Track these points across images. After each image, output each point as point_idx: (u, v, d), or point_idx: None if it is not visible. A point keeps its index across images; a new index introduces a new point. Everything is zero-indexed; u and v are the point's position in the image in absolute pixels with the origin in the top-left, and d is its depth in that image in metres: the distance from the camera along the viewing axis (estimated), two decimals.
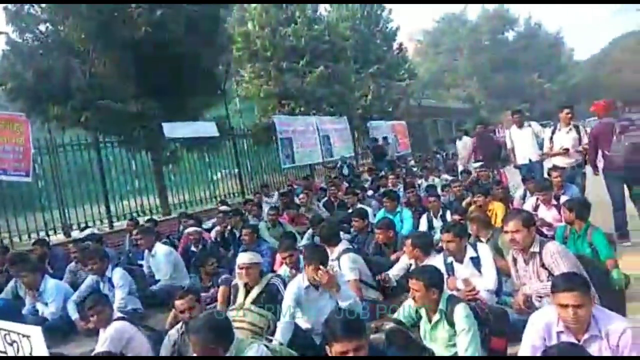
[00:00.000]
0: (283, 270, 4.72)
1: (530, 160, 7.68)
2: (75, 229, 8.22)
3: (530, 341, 2.55)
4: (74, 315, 5.18)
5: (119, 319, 3.83)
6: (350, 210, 7.55)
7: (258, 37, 15.17)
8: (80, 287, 5.43)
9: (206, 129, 10.31)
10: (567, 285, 2.43)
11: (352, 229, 6.46)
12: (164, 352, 3.53)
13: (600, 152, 6.11)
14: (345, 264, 4.39)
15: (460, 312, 2.95)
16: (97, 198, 8.54)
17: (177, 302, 3.53)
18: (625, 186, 5.91)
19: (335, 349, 2.25)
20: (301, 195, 8.58)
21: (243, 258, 4.17)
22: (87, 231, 7.11)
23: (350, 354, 2.21)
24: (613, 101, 6.70)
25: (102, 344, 3.59)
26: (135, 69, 9.17)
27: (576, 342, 2.40)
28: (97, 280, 5.31)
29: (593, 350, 2.37)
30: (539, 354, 2.46)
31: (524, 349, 2.59)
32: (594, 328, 2.39)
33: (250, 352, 2.68)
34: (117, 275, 5.24)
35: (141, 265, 6.33)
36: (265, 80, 15.11)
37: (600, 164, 6.20)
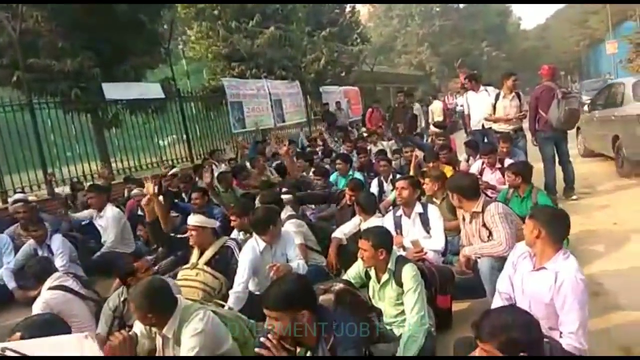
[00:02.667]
0: (235, 233, 4.70)
1: (483, 126, 7.85)
2: (11, 195, 7.76)
3: (507, 265, 2.80)
4: (11, 283, 4.96)
5: (58, 287, 3.68)
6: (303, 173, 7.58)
7: None
8: (16, 254, 5.18)
9: (150, 90, 9.85)
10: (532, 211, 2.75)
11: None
12: (103, 318, 3.42)
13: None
14: (289, 229, 4.39)
15: (408, 272, 2.99)
16: (34, 164, 8.04)
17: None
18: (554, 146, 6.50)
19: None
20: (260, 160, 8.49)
21: (191, 220, 4.11)
22: (17, 196, 6.70)
23: (272, 320, 2.25)
24: (556, 67, 6.95)
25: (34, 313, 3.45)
26: (70, 24, 8.57)
27: (531, 267, 2.61)
28: (34, 248, 5.08)
29: (538, 279, 2.54)
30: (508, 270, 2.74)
31: (502, 276, 2.80)
32: (550, 263, 2.52)
33: (196, 319, 2.61)
34: (57, 242, 5.06)
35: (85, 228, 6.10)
36: (214, 40, 14.52)
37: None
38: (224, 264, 3.96)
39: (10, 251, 5.31)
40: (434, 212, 4.13)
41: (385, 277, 3.09)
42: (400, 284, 3.01)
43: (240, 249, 4.03)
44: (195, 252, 4.12)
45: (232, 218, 4.66)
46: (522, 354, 1.81)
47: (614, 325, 3.24)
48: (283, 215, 4.61)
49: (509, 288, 2.69)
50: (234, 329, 2.86)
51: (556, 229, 2.55)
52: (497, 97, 7.12)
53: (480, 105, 7.80)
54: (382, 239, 3.06)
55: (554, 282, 2.46)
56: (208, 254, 4.06)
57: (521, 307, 2.33)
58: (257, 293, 3.74)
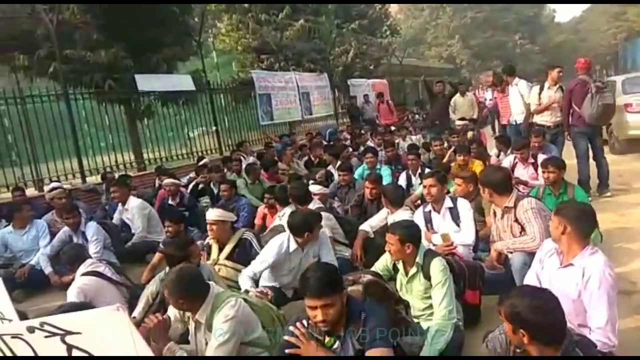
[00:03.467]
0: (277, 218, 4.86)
1: (516, 122, 7.73)
2: (47, 183, 8.01)
3: (538, 253, 2.83)
4: (47, 269, 5.13)
5: (90, 273, 3.79)
6: (329, 168, 7.61)
7: None
8: (52, 240, 5.36)
9: (181, 82, 10.00)
10: (557, 208, 2.70)
11: (331, 184, 6.51)
12: (142, 303, 3.49)
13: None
14: (327, 224, 4.39)
15: (436, 265, 2.98)
16: (69, 153, 8.28)
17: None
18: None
19: (307, 303, 2.31)
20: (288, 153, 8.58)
21: (210, 214, 4.16)
22: (52, 185, 6.94)
23: (318, 310, 2.25)
24: (591, 61, 6.74)
25: (68, 299, 3.57)
26: (105, 17, 8.75)
27: (559, 264, 2.59)
28: (69, 235, 5.24)
29: (566, 275, 2.52)
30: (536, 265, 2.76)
31: (529, 274, 2.83)
32: (577, 259, 2.49)
33: (228, 306, 2.66)
34: (91, 229, 5.19)
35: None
36: (243, 33, 14.63)
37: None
38: (245, 256, 4.00)
39: (46, 236, 5.49)
40: (464, 205, 4.07)
41: (413, 270, 3.07)
42: (428, 278, 2.99)
43: (258, 241, 4.11)
44: (215, 248, 4.17)
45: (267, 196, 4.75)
46: (522, 330, 1.92)
47: None
48: (312, 207, 4.64)
49: (536, 285, 2.65)
50: (264, 318, 2.90)
51: (582, 224, 2.51)
52: (541, 88, 6.99)
53: (513, 101, 7.69)
54: (409, 233, 3.04)
55: (581, 278, 2.43)
56: (228, 248, 4.10)
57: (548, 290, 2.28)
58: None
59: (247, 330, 2.72)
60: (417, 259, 3.05)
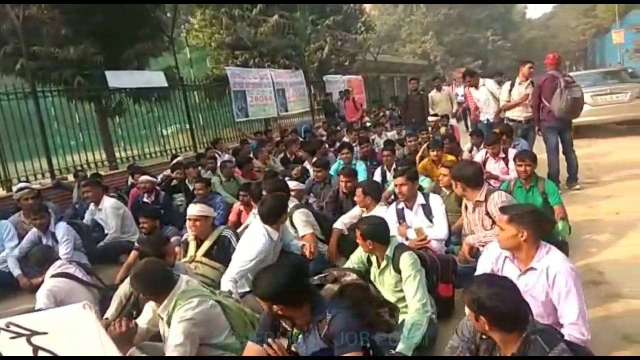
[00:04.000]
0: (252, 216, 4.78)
1: (488, 120, 7.85)
2: (15, 183, 7.79)
3: (483, 262, 2.79)
4: (16, 271, 5.00)
5: (60, 274, 3.71)
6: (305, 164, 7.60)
7: None
8: (21, 242, 5.22)
9: (154, 79, 9.83)
10: (503, 209, 2.70)
11: (307, 180, 6.51)
12: (115, 304, 3.42)
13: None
14: (299, 220, 4.42)
15: (406, 260, 3.02)
16: (38, 152, 8.07)
17: None
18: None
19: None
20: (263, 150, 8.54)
21: (192, 210, 4.11)
22: (21, 184, 6.75)
23: (266, 309, 2.37)
24: (560, 56, 6.89)
25: (37, 302, 3.49)
26: (74, 12, 8.54)
27: (517, 270, 2.59)
28: (39, 236, 5.11)
29: (530, 279, 2.54)
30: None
31: (479, 270, 2.79)
32: (537, 262, 2.52)
33: (187, 306, 2.61)
34: (61, 229, 5.07)
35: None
36: (217, 29, 14.47)
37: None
38: (223, 253, 3.96)
39: (12, 237, 5.33)
40: (436, 202, 4.14)
41: (383, 263, 3.14)
42: (398, 271, 3.04)
43: (237, 239, 4.03)
44: (192, 244, 4.12)
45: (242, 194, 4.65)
46: (481, 316, 1.98)
47: (616, 314, 3.25)
48: (290, 204, 4.63)
49: None
50: (236, 322, 2.86)
51: (539, 228, 2.55)
52: (512, 84, 7.10)
53: (483, 100, 7.84)
54: (369, 230, 3.08)
55: (546, 279, 2.46)
56: (206, 244, 4.06)
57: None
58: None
59: (210, 333, 2.70)
60: (387, 252, 3.10)
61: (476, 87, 7.92)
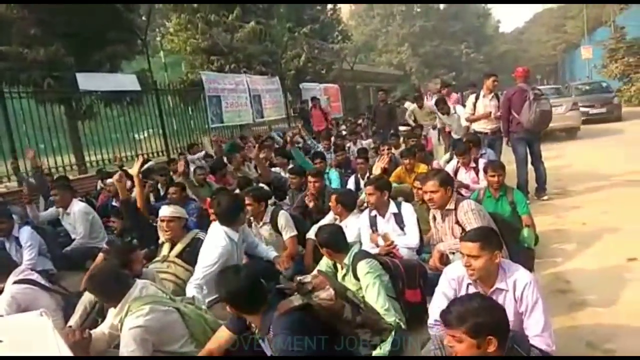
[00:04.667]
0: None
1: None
2: None
3: (442, 289, 2.70)
4: None
5: (23, 280, 3.58)
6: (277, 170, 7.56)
7: None
8: None
9: (126, 82, 9.66)
10: (467, 236, 2.59)
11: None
12: (79, 311, 3.31)
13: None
14: (282, 222, 4.46)
15: (362, 268, 3.05)
16: (4, 155, 7.82)
17: None
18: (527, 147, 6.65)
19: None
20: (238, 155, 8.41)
21: (165, 211, 4.09)
22: None
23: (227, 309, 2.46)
24: (529, 70, 7.07)
25: (0, 309, 3.35)
26: (44, 11, 8.34)
27: (483, 292, 2.53)
28: (1, 241, 4.93)
29: (500, 301, 2.48)
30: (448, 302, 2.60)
31: (436, 297, 2.73)
32: (501, 281, 2.51)
33: (137, 313, 2.59)
34: (25, 234, 4.91)
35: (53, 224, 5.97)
36: (192, 33, 14.32)
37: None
38: (195, 256, 3.89)
39: None
40: (408, 210, 4.18)
41: (343, 271, 3.20)
42: (357, 278, 3.07)
43: None
44: (166, 245, 4.10)
45: (212, 210, 4.58)
46: (490, 337, 1.89)
47: (581, 323, 3.30)
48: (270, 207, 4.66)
49: None
50: (196, 330, 2.83)
51: (502, 246, 2.58)
52: (477, 97, 7.25)
53: (454, 127, 8.14)
54: (325, 240, 3.19)
55: (513, 295, 2.46)
56: (179, 246, 4.04)
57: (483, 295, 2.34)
58: None
59: (165, 340, 2.67)
60: (345, 260, 3.15)
61: (448, 112, 8.19)
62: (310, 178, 5.35)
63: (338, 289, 2.67)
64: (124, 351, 2.53)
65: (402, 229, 4.12)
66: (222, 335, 2.63)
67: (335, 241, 3.19)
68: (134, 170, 4.51)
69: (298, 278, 2.76)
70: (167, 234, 4.05)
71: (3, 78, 8.00)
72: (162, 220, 4.06)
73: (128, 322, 2.57)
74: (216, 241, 3.65)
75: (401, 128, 9.64)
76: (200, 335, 2.82)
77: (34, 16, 8.37)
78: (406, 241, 4.01)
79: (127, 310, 2.61)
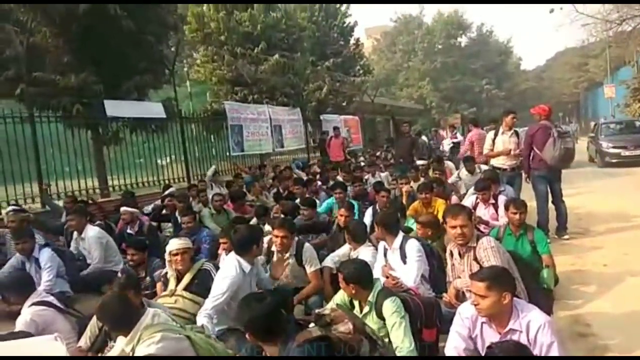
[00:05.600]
0: (223, 255, 4.64)
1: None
2: (4, 207, 7.73)
3: (456, 329, 2.67)
4: None
5: (41, 302, 3.64)
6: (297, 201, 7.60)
7: (212, 20, 14.76)
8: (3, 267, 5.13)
9: (152, 110, 9.91)
10: (476, 275, 2.60)
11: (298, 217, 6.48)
12: (88, 332, 3.35)
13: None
14: (307, 255, 4.37)
15: (388, 307, 2.99)
16: (30, 176, 8.04)
17: None
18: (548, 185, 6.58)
19: None
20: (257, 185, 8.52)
21: (174, 245, 4.06)
22: (10, 208, 6.70)
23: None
24: (551, 108, 7.06)
25: (17, 329, 3.40)
26: (76, 41, 8.70)
27: (495, 333, 2.52)
28: (22, 261, 5.03)
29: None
30: (463, 342, 2.58)
31: (451, 336, 2.70)
32: (514, 322, 2.48)
33: (148, 342, 2.60)
34: (45, 255, 5.00)
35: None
36: (218, 64, 14.74)
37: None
38: (204, 287, 3.87)
39: None
40: (411, 247, 4.01)
41: (366, 309, 3.10)
42: (381, 317, 3.00)
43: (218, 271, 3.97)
44: (173, 279, 4.06)
45: (222, 240, 4.62)
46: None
47: None
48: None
49: (468, 353, 2.63)
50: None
51: (514, 286, 2.56)
52: (496, 133, 7.26)
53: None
54: (352, 275, 3.07)
55: (526, 337, 2.43)
56: (187, 278, 4.00)
57: None
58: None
59: None
60: (370, 298, 3.07)
61: (472, 172, 7.99)
62: (342, 212, 5.36)
63: (357, 324, 2.62)
64: None
65: (405, 263, 4.00)
66: None
67: (365, 276, 3.11)
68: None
69: (316, 311, 2.70)
70: (179, 265, 4.02)
71: (35, 103, 8.28)
72: (174, 254, 4.01)
73: (140, 349, 2.58)
74: (227, 271, 3.62)
75: (419, 162, 9.61)
76: None
77: (68, 45, 8.72)
78: (405, 279, 3.83)
79: (138, 338, 2.62)
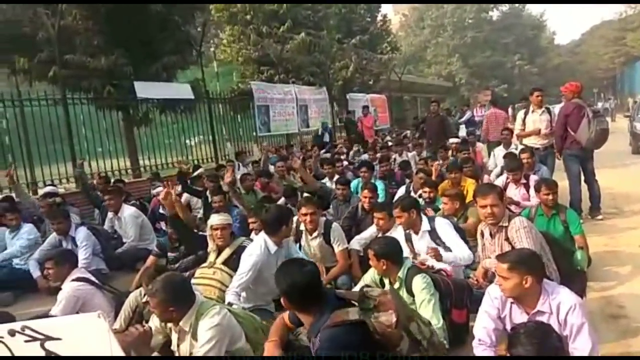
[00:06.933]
0: (253, 235, 4.72)
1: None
2: (41, 187, 8.00)
3: (486, 309, 2.67)
4: (36, 273, 5.10)
5: (81, 279, 3.78)
6: (323, 181, 7.61)
7: None
8: (42, 245, 5.34)
9: (180, 91, 10.04)
10: (501, 256, 2.61)
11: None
12: (122, 315, 3.50)
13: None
14: (336, 234, 4.42)
15: (418, 283, 3.01)
16: (64, 157, 8.29)
17: None
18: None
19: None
20: (279, 163, 8.51)
21: (215, 219, 4.17)
22: (47, 189, 6.92)
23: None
24: (581, 85, 6.81)
25: (58, 304, 3.54)
26: (107, 23, 8.82)
27: (524, 313, 2.52)
28: (60, 239, 5.21)
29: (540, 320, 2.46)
30: (492, 322, 2.60)
31: (480, 316, 2.70)
32: (543, 303, 2.47)
33: (212, 312, 2.67)
34: (81, 234, 5.17)
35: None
36: (245, 44, 14.75)
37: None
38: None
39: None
40: (442, 225, 3.94)
41: (396, 285, 3.12)
42: (411, 293, 3.02)
43: None
44: (213, 252, 4.18)
45: (251, 220, 4.69)
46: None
47: (635, 350, 3.15)
48: (322, 218, 4.65)
49: (497, 334, 2.62)
50: (248, 329, 2.90)
51: (541, 270, 2.52)
52: (526, 112, 7.07)
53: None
54: (384, 250, 3.09)
55: (556, 318, 2.42)
56: (226, 253, 4.11)
57: None
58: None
59: (231, 340, 2.73)
60: (400, 274, 3.09)
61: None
62: (365, 193, 5.27)
63: (402, 318, 2.29)
64: (202, 350, 2.59)
65: (439, 244, 3.86)
66: (281, 326, 2.66)
67: (395, 252, 3.13)
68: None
69: (366, 289, 2.43)
70: (219, 240, 4.13)
71: (66, 84, 8.47)
72: (215, 229, 4.13)
73: (205, 323, 2.63)
74: (252, 250, 3.69)
75: (452, 140, 9.47)
76: (252, 333, 2.89)
77: (98, 27, 8.86)
78: (455, 259, 3.69)
79: (196, 315, 2.68)
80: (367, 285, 3.16)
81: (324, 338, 2.18)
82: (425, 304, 2.94)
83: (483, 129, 10.56)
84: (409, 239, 4.07)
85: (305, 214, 4.33)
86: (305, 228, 4.46)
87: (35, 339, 1.84)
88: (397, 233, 4.21)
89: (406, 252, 4.02)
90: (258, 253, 3.62)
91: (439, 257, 3.56)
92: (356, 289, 3.22)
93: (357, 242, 4.57)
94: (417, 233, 4.01)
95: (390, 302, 2.28)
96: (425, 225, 3.99)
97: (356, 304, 2.29)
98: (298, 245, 4.50)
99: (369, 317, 2.22)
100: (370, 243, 3.23)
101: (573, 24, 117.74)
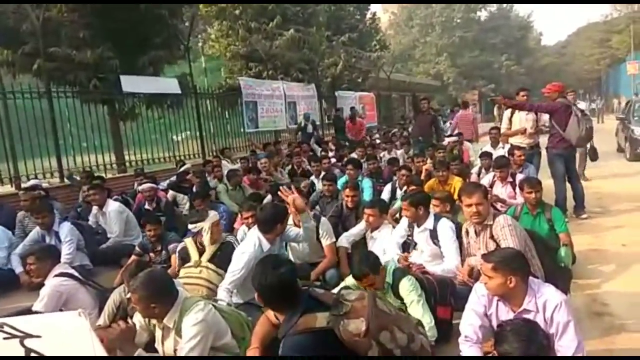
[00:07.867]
0: (242, 230, 4.68)
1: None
2: (24, 181, 7.86)
3: (472, 306, 2.67)
4: (18, 268, 5.02)
5: (64, 274, 3.72)
6: (312, 178, 7.62)
7: None
8: (24, 240, 5.25)
9: (167, 85, 9.93)
10: (486, 255, 2.63)
11: (313, 194, 6.51)
12: (106, 311, 3.45)
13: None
14: (324, 228, 4.46)
15: (405, 286, 3.05)
16: (48, 151, 8.15)
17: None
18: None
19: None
20: (263, 160, 8.48)
21: (213, 216, 4.14)
22: (31, 182, 6.81)
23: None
24: (564, 85, 6.88)
25: (40, 299, 3.49)
26: (93, 16, 8.69)
27: (509, 311, 2.53)
28: (42, 234, 5.14)
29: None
30: (479, 320, 2.60)
31: (467, 313, 2.70)
32: (529, 302, 2.48)
33: (196, 309, 2.65)
34: (65, 229, 5.09)
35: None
36: (233, 40, 14.63)
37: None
38: (227, 260, 3.90)
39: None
40: (444, 227, 3.93)
41: (384, 291, 3.15)
42: (399, 297, 3.05)
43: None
44: (194, 250, 4.12)
45: (248, 214, 4.62)
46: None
47: (618, 348, 3.19)
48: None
49: (484, 331, 2.63)
50: (233, 325, 2.88)
51: (525, 269, 2.53)
52: (512, 112, 7.13)
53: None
54: (363, 269, 3.07)
55: (542, 316, 2.43)
56: (211, 249, 4.07)
57: None
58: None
59: (217, 335, 2.70)
60: (387, 279, 3.13)
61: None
62: (347, 192, 5.24)
63: (373, 327, 2.17)
64: (187, 346, 2.56)
65: (435, 244, 3.93)
66: (265, 326, 2.63)
67: (372, 267, 3.10)
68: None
69: (343, 291, 2.40)
70: (214, 239, 4.09)
71: (51, 78, 8.32)
72: (216, 225, 4.11)
73: (189, 319, 2.59)
74: (245, 247, 3.67)
75: (448, 139, 9.58)
76: (238, 329, 2.88)
77: (83, 20, 8.72)
78: (444, 266, 3.76)
79: (180, 311, 2.65)
80: (347, 287, 2.99)
81: (286, 345, 2.17)
82: (415, 305, 2.99)
83: (452, 127, 11.57)
84: (411, 230, 4.10)
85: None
86: (293, 222, 4.44)
87: (14, 336, 1.79)
88: (385, 230, 4.23)
89: (404, 239, 4.11)
90: (251, 251, 3.59)
91: (421, 269, 3.68)
92: (337, 289, 3.22)
93: (345, 240, 4.57)
94: (419, 226, 4.04)
95: (363, 308, 2.21)
96: (429, 222, 4.01)
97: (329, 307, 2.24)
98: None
99: (338, 323, 2.15)
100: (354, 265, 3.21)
101: (560, 25, 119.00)
